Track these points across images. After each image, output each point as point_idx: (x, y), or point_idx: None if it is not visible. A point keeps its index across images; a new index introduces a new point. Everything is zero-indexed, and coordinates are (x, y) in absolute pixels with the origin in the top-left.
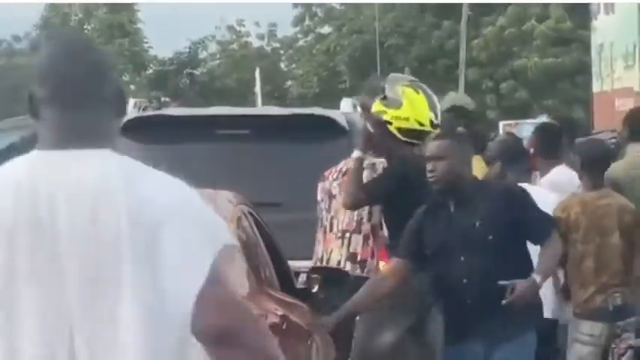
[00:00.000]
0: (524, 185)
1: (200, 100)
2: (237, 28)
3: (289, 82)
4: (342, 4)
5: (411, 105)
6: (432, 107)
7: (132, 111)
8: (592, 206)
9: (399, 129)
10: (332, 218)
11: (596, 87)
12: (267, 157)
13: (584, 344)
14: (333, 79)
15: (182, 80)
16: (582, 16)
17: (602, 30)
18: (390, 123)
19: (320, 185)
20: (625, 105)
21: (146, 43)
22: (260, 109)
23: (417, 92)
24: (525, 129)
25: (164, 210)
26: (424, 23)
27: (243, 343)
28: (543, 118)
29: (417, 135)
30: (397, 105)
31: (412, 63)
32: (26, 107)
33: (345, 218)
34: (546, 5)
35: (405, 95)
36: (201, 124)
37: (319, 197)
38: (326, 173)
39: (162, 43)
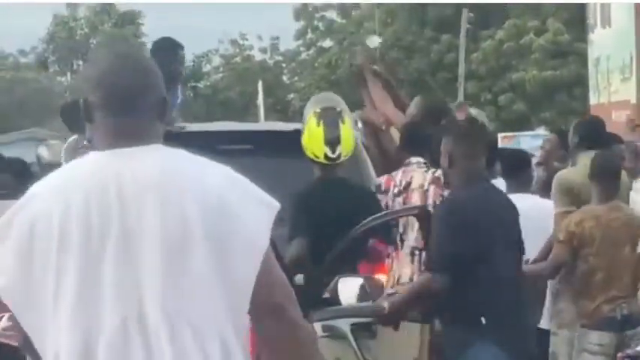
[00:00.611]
0: (525, 196)
1: (203, 113)
2: (240, 42)
3: (291, 95)
4: (341, 12)
5: (308, 135)
6: (329, 142)
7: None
8: (605, 219)
9: (307, 156)
10: (401, 235)
11: (593, 99)
12: (270, 172)
13: (593, 354)
14: (334, 91)
15: (186, 93)
16: (579, 29)
17: (599, 43)
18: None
19: (381, 199)
20: (622, 117)
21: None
22: (263, 124)
23: (318, 124)
24: (524, 141)
25: (228, 194)
26: (423, 37)
27: (288, 317)
28: (541, 131)
29: (320, 164)
30: (303, 131)
31: (412, 76)
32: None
33: (413, 235)
34: (544, 19)
35: (308, 124)
36: (205, 140)
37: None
38: (382, 185)
39: None
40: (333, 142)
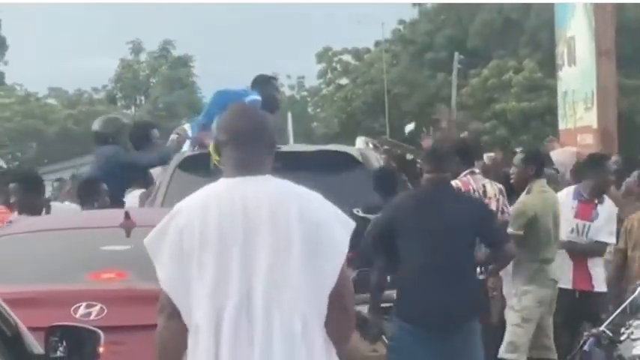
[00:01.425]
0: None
1: None
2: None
3: (315, 124)
4: (355, 55)
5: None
6: None
7: (189, 150)
8: None
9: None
10: None
11: (561, 125)
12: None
13: None
14: (350, 121)
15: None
16: (550, 68)
17: (566, 79)
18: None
19: None
20: (585, 140)
21: (200, 93)
22: (291, 146)
23: None
24: None
25: (320, 213)
26: (423, 75)
27: (346, 306)
28: (518, 151)
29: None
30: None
31: (414, 107)
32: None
33: None
34: (521, 60)
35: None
36: None
37: None
38: (462, 188)
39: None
40: None
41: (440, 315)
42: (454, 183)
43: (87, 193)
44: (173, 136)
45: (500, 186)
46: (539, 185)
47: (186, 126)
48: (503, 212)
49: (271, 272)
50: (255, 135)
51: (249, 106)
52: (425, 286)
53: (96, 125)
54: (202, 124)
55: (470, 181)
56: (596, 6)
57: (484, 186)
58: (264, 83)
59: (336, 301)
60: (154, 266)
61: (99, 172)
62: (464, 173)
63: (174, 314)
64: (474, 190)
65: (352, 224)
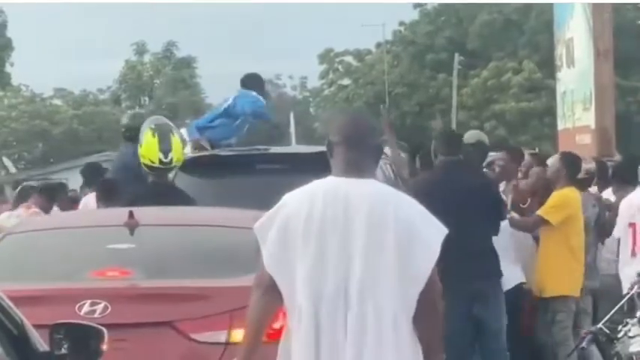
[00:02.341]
0: None
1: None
2: (275, 81)
3: (316, 124)
4: (356, 56)
5: (145, 146)
6: (163, 149)
7: (190, 152)
8: None
9: (144, 164)
10: None
11: (560, 125)
12: (298, 186)
13: None
14: None
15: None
16: (549, 69)
17: (565, 80)
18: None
19: None
20: (583, 140)
21: (203, 94)
22: (293, 147)
23: (154, 136)
24: None
25: (415, 216)
26: (423, 76)
27: (435, 306)
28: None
29: (154, 169)
30: (141, 144)
31: (414, 107)
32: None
33: None
34: (520, 61)
35: (145, 137)
36: (245, 161)
37: None
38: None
39: (216, 93)
40: (165, 150)
41: (464, 282)
42: None
43: (109, 193)
44: None
45: None
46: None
47: (183, 130)
48: None
49: (367, 266)
50: (365, 139)
51: (360, 113)
52: (450, 257)
53: (125, 119)
54: (201, 127)
55: None
56: (595, 7)
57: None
58: (255, 85)
59: (426, 300)
60: (157, 265)
61: (123, 170)
62: None
63: (269, 291)
64: None
65: (445, 229)
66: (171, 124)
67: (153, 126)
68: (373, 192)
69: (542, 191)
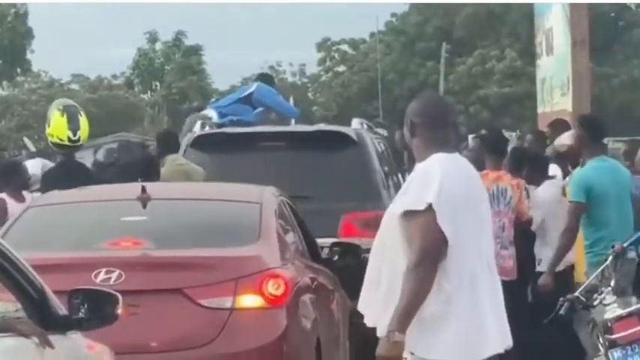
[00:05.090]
0: None
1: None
2: (276, 68)
3: (315, 107)
4: (351, 45)
5: (54, 125)
6: (72, 128)
7: (199, 129)
8: None
9: (52, 142)
10: None
11: (540, 109)
12: (299, 162)
13: None
14: (346, 105)
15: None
16: (529, 57)
17: (544, 67)
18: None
19: None
20: None
21: (209, 79)
22: (293, 127)
23: (62, 115)
24: None
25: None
26: (413, 63)
27: None
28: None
29: (63, 147)
30: (49, 124)
31: (405, 93)
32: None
33: None
34: (503, 50)
35: (53, 117)
36: (249, 139)
37: None
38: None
39: (222, 79)
40: (74, 128)
41: None
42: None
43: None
44: (199, 122)
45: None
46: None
47: (209, 111)
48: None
49: (487, 232)
50: (446, 117)
51: (438, 95)
52: None
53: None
54: (220, 107)
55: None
56: (573, 2)
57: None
58: (268, 82)
59: None
60: (167, 236)
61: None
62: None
63: (436, 262)
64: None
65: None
66: (77, 105)
67: (61, 107)
68: (467, 164)
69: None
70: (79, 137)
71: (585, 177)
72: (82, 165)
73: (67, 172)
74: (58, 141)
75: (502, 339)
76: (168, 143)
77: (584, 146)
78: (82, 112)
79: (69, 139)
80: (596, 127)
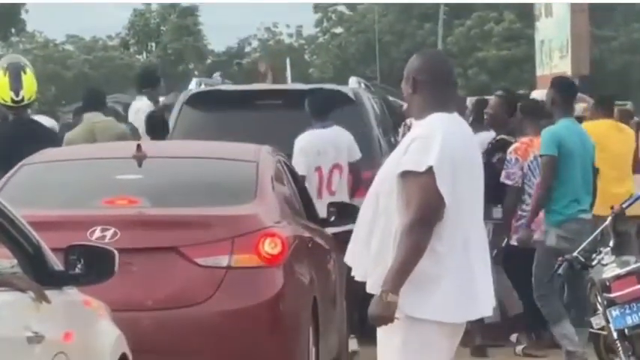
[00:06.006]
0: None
1: (246, 83)
2: (273, 29)
3: (311, 69)
4: (349, 6)
5: None
6: (14, 88)
7: (195, 88)
8: None
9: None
10: None
11: (539, 72)
12: (296, 121)
13: None
14: (344, 67)
15: (232, 68)
16: (528, 19)
17: (543, 29)
18: None
19: None
20: None
21: (206, 40)
22: (290, 85)
23: (5, 75)
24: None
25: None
26: (411, 25)
27: None
28: (499, 93)
29: (10, 107)
30: None
31: (402, 55)
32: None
33: None
34: (501, 12)
35: None
36: (246, 97)
37: None
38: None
39: (218, 40)
40: (16, 88)
41: None
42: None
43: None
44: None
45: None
46: None
47: (217, 74)
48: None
49: (478, 206)
50: (450, 76)
51: (441, 53)
52: None
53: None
54: None
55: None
56: None
57: None
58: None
59: None
60: (163, 194)
61: None
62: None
63: (433, 224)
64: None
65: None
66: (24, 61)
67: (5, 65)
68: (462, 125)
69: None
70: (23, 97)
71: (557, 132)
72: (35, 122)
73: (20, 130)
74: (2, 102)
75: (490, 304)
76: (90, 101)
77: (556, 106)
78: (27, 69)
79: (12, 100)
80: (567, 89)
